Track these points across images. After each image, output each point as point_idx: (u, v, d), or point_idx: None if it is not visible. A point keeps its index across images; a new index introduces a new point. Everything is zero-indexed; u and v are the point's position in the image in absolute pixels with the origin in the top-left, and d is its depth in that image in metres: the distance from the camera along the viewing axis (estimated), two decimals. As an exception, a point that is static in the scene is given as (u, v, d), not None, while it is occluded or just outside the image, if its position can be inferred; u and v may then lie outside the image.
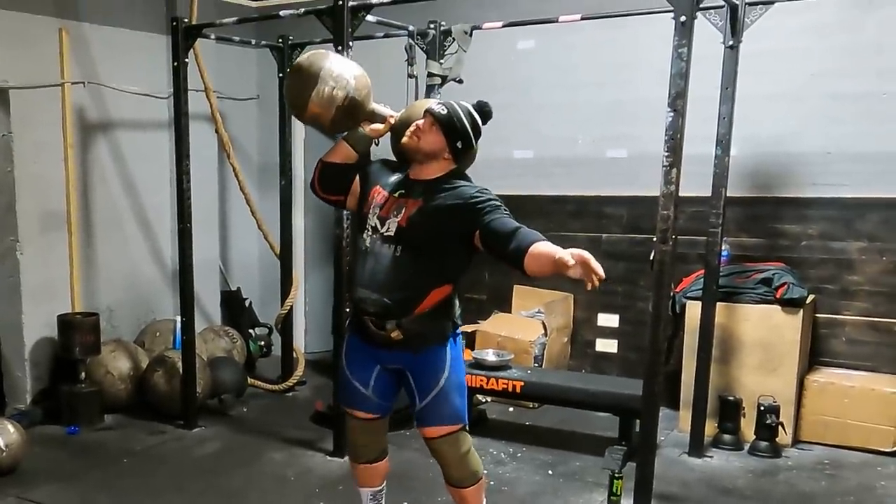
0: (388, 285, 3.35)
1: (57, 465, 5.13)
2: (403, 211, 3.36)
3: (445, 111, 3.41)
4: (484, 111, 3.54)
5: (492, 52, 6.38)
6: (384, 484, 3.92)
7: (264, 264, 7.78)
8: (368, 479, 3.86)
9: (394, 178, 3.49)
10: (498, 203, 3.37)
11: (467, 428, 3.58)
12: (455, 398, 3.52)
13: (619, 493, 4.51)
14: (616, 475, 4.53)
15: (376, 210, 3.43)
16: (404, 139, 3.43)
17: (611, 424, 5.50)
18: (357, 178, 3.59)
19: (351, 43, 4.97)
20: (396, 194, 3.42)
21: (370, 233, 3.41)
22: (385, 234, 3.36)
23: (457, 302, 3.55)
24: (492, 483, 4.82)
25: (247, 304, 7.53)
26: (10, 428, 4.92)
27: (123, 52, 6.47)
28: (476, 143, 3.51)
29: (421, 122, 3.41)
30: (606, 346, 6.58)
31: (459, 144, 3.43)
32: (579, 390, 5.39)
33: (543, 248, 3.14)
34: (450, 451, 3.54)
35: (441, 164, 3.45)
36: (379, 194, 3.46)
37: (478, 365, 5.63)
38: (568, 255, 2.98)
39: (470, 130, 3.46)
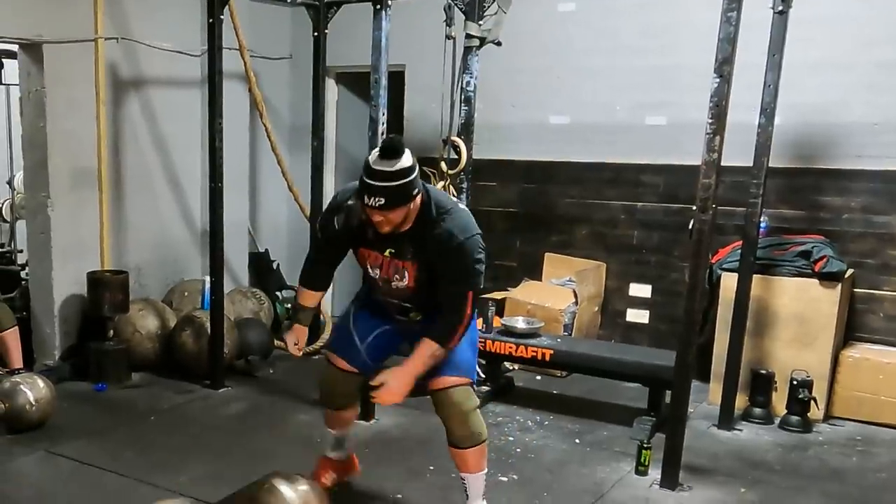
0: (408, 300, 3.63)
1: (85, 420, 5.26)
2: (406, 274, 3.51)
3: (382, 200, 3.22)
4: (387, 147, 3.28)
5: (532, 14, 6.37)
6: (349, 430, 4.27)
7: (293, 226, 7.87)
8: (336, 423, 4.15)
9: (372, 232, 3.46)
10: (469, 267, 3.43)
11: (474, 387, 3.72)
12: (467, 352, 3.66)
13: (647, 462, 4.56)
14: (644, 445, 4.58)
15: (376, 271, 3.59)
16: (384, 230, 3.38)
17: (639, 395, 5.56)
18: (335, 249, 3.77)
19: (390, 2, 4.97)
20: (387, 254, 3.50)
21: (379, 281, 3.62)
22: (395, 287, 3.59)
23: None
24: (518, 450, 4.91)
25: (274, 266, 7.62)
26: (41, 383, 5.03)
27: (156, 8, 6.54)
28: (416, 173, 3.29)
29: (378, 218, 3.32)
30: (638, 316, 6.61)
31: (415, 192, 3.29)
32: (610, 360, 5.43)
33: (421, 349, 3.47)
34: (458, 402, 3.60)
35: (412, 212, 3.37)
36: (371, 255, 3.58)
37: (507, 332, 5.68)
38: (387, 384, 3.47)
39: (410, 178, 3.24)
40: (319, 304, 4.39)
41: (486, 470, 3.82)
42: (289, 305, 7.32)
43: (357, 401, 4.11)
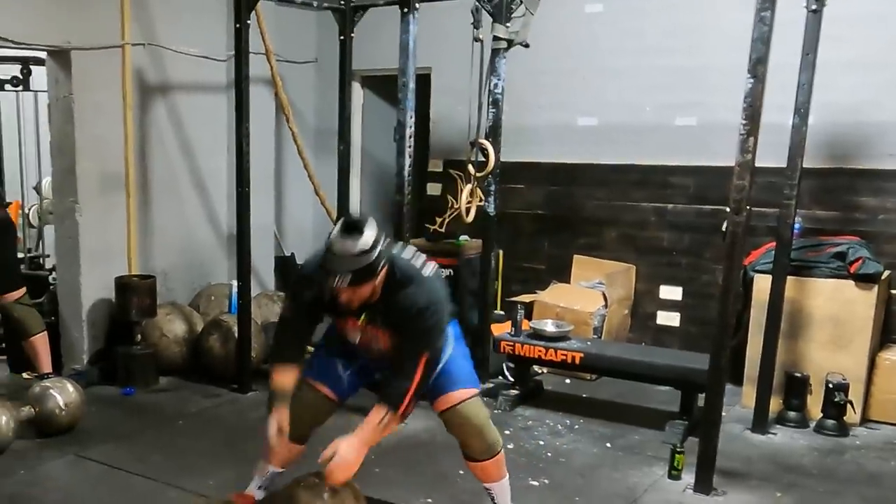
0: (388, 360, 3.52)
1: (113, 424, 5.26)
2: (380, 339, 3.46)
3: (348, 279, 3.16)
4: (349, 225, 3.21)
5: (559, 16, 6.35)
6: (290, 468, 3.84)
7: (318, 230, 7.89)
8: (280, 458, 3.80)
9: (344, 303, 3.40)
10: (427, 333, 3.34)
11: (480, 395, 3.65)
12: (463, 362, 3.61)
13: (680, 467, 4.50)
14: (678, 449, 4.52)
15: (356, 337, 3.50)
16: (353, 306, 3.33)
17: (669, 398, 5.49)
18: (310, 317, 3.61)
19: (417, 5, 4.95)
20: (361, 321, 3.41)
21: (360, 346, 3.54)
22: (375, 350, 3.52)
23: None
24: (549, 454, 4.86)
25: (301, 269, 7.61)
26: (70, 387, 5.04)
27: (182, 13, 6.57)
28: (381, 245, 3.21)
29: (344, 298, 3.28)
30: (668, 318, 6.56)
31: (380, 266, 3.22)
32: (641, 363, 5.37)
33: (372, 416, 3.33)
34: (470, 417, 3.54)
35: (379, 285, 3.32)
36: (349, 322, 3.47)
37: (536, 335, 5.64)
38: (339, 456, 3.28)
39: (374, 256, 3.17)
40: None
41: (507, 475, 3.76)
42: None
43: (308, 438, 3.82)
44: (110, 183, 6.15)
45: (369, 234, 3.15)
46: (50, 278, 6.75)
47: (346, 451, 3.29)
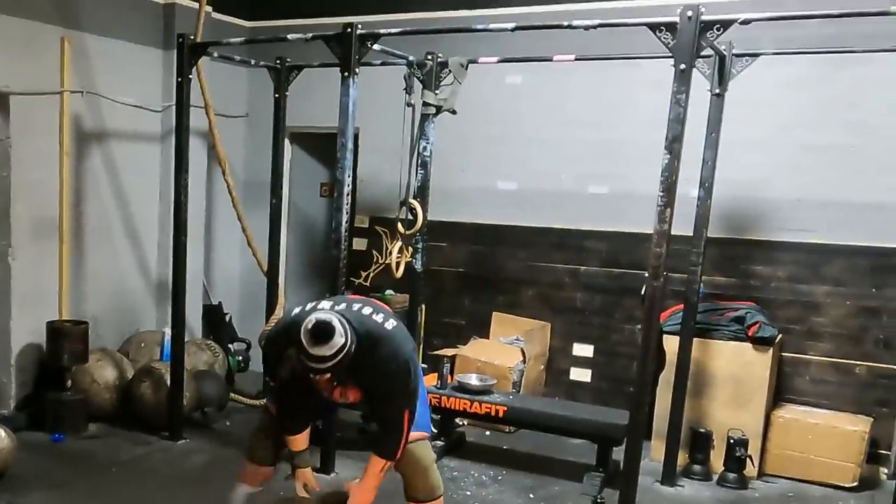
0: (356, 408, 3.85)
1: (45, 471, 5.13)
2: (349, 395, 3.58)
3: (328, 374, 3.33)
4: (318, 334, 3.27)
5: (483, 86, 6.54)
6: (262, 486, 4.12)
7: (245, 280, 7.87)
8: (253, 479, 4.04)
9: None
10: (404, 390, 3.52)
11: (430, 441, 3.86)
12: (423, 407, 3.76)
13: (601, 517, 4.67)
14: (598, 500, 4.69)
15: (324, 394, 3.58)
16: (334, 391, 3.53)
17: (585, 451, 5.69)
18: (296, 391, 3.68)
19: (357, 70, 5.08)
20: (335, 382, 3.47)
21: (328, 399, 3.64)
22: (343, 402, 3.70)
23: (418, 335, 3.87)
24: (476, 504, 4.96)
25: (227, 318, 7.57)
26: (2, 433, 4.91)
27: (121, 64, 6.54)
28: (349, 333, 3.31)
29: (335, 393, 3.52)
30: (581, 374, 6.76)
31: (352, 349, 3.32)
32: (562, 417, 5.55)
33: (373, 466, 3.60)
34: (419, 457, 3.72)
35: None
36: (318, 382, 3.47)
37: (461, 389, 5.77)
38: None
39: (346, 349, 3.28)
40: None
41: None
42: (240, 357, 7.26)
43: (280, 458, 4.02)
44: (44, 227, 6.05)
45: (338, 337, 3.24)
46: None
47: (361, 495, 3.58)
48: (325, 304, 3.57)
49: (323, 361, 3.25)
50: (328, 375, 3.32)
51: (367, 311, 3.53)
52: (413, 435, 3.67)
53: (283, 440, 3.89)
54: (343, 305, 3.52)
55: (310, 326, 3.24)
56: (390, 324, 3.51)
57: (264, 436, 3.94)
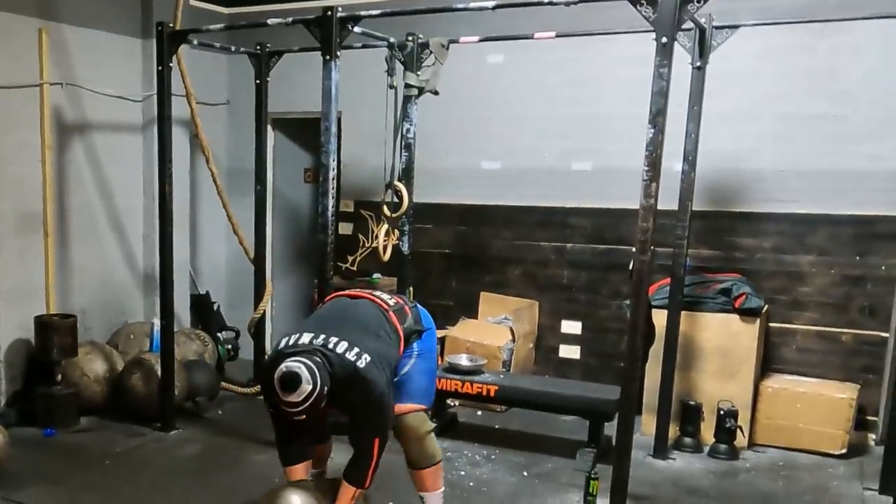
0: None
1: (38, 466, 5.07)
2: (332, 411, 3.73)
3: (303, 416, 3.52)
4: (286, 383, 3.47)
5: (465, 66, 6.49)
6: (324, 465, 4.32)
7: (232, 269, 7.81)
8: (302, 472, 3.98)
9: None
10: (375, 422, 3.67)
11: (429, 412, 3.95)
12: (422, 380, 3.91)
13: (595, 493, 4.63)
14: (592, 476, 4.66)
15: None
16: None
17: (576, 427, 5.68)
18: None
19: (339, 53, 5.01)
20: (311, 417, 3.60)
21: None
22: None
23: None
24: (471, 484, 4.95)
25: (215, 307, 7.50)
26: (-6, 429, 4.84)
27: (100, 54, 6.43)
28: (318, 377, 3.48)
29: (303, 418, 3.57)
30: (569, 351, 6.74)
31: (325, 391, 3.48)
32: (552, 394, 5.53)
33: (344, 494, 3.72)
34: (414, 427, 3.85)
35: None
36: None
37: (452, 369, 5.73)
38: None
39: (316, 393, 3.45)
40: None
41: (443, 489, 4.03)
42: (229, 346, 7.21)
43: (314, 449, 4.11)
44: (28, 222, 5.96)
45: (305, 384, 3.41)
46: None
47: None
48: (306, 338, 3.68)
49: (293, 406, 3.45)
50: (304, 416, 3.51)
51: (341, 348, 3.62)
52: (407, 406, 3.84)
53: (285, 474, 4.01)
54: (321, 339, 3.64)
55: (278, 376, 3.45)
56: (364, 360, 3.60)
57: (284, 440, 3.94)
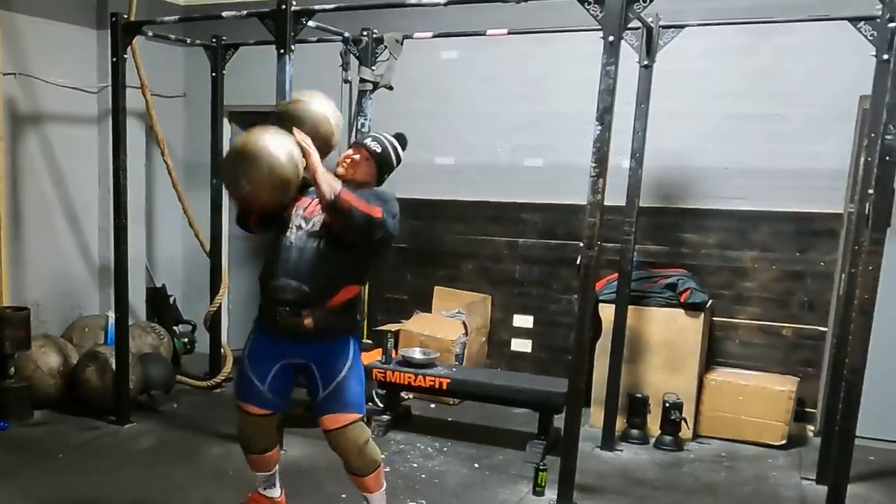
0: (308, 275, 3.56)
1: (-10, 461, 4.98)
2: (320, 221, 3.59)
3: (380, 148, 3.75)
4: (403, 143, 3.89)
5: (419, 61, 6.46)
6: (276, 467, 4.06)
7: (188, 262, 7.70)
8: (261, 466, 4.00)
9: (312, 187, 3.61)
10: (386, 206, 3.59)
11: (365, 419, 3.79)
12: (355, 388, 3.72)
13: (543, 484, 4.69)
14: (541, 467, 4.70)
15: (300, 211, 3.64)
16: (339, 170, 3.68)
17: (527, 420, 5.69)
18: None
19: (293, 46, 4.96)
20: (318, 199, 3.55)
21: (295, 230, 3.62)
22: (311, 230, 3.60)
23: (362, 307, 3.84)
24: (423, 476, 4.95)
25: (171, 301, 7.41)
26: (-55, 423, 4.73)
27: (54, 44, 6.30)
28: (391, 156, 3.81)
29: (354, 154, 3.70)
30: (521, 345, 6.75)
31: (386, 175, 3.82)
32: (504, 387, 5.54)
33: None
34: (352, 439, 3.70)
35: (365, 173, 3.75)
36: (302, 200, 3.68)
37: (405, 363, 5.73)
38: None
39: (395, 162, 3.82)
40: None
41: (384, 486, 3.94)
42: (186, 339, 7.11)
43: (276, 442, 4.00)
44: (-19, 214, 5.82)
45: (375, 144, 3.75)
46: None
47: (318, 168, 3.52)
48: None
49: (383, 143, 3.76)
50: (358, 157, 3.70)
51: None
52: (347, 417, 3.67)
53: (250, 462, 3.98)
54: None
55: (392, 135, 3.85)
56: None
57: (249, 429, 3.86)
